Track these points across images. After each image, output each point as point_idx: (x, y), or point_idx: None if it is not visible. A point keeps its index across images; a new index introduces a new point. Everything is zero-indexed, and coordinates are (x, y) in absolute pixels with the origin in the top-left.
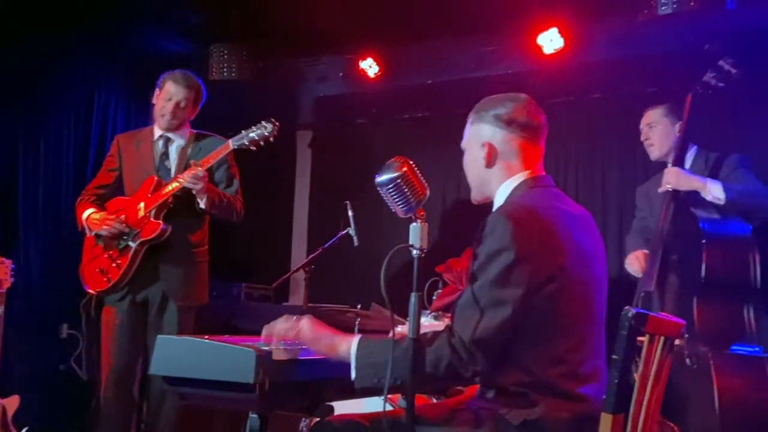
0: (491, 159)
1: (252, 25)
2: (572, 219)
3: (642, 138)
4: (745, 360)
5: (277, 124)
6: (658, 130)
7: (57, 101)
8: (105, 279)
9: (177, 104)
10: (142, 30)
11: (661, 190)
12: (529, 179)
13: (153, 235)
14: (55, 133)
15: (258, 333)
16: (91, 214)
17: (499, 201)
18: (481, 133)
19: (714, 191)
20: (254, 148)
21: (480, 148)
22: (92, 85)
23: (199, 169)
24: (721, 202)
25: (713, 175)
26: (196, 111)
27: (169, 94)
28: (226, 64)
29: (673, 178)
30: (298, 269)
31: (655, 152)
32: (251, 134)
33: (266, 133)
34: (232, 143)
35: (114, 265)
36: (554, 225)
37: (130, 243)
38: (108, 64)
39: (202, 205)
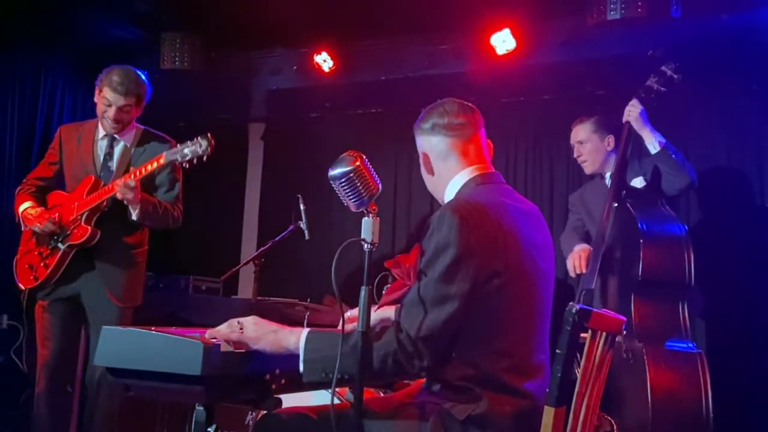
0: (428, 166)
1: (205, 15)
2: (521, 214)
3: (575, 155)
4: (678, 355)
5: (213, 141)
6: (588, 148)
7: None
8: (32, 277)
9: (118, 110)
10: (91, 15)
11: (624, 118)
12: (477, 176)
13: (80, 240)
14: None
15: (205, 325)
16: (27, 208)
17: (448, 199)
18: (419, 146)
19: (657, 137)
20: (186, 165)
21: (421, 159)
22: (38, 70)
23: (130, 180)
24: (657, 149)
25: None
26: (142, 108)
27: (107, 100)
28: (177, 54)
29: (634, 113)
30: (247, 262)
31: (589, 168)
32: (185, 150)
33: (200, 151)
34: (165, 156)
35: (42, 264)
36: (501, 221)
37: (59, 245)
38: (55, 49)
39: (134, 216)
